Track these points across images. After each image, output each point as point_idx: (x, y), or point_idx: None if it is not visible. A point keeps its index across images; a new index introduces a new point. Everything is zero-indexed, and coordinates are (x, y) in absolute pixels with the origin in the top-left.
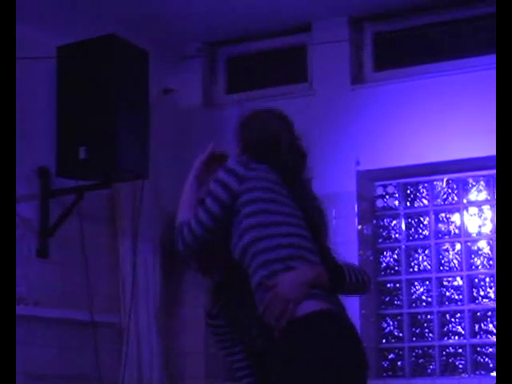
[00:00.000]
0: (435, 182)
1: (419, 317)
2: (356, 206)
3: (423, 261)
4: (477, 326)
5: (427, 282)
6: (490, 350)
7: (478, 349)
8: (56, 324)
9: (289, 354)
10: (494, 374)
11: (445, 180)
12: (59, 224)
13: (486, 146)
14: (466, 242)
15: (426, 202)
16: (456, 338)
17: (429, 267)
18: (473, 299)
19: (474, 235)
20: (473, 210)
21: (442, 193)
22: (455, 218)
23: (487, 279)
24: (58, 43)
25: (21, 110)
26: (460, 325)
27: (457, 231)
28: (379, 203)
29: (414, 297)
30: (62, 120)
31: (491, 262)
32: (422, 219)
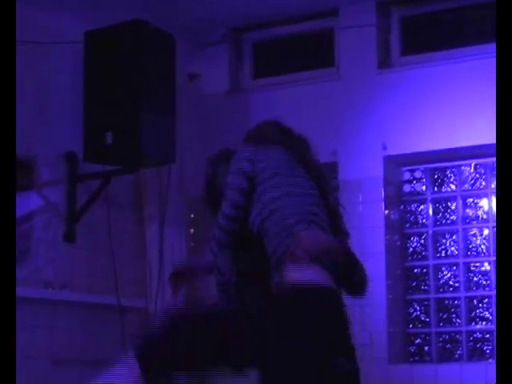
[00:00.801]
0: (463, 167)
1: (446, 302)
2: (383, 191)
3: (450, 246)
4: None
5: (454, 268)
6: None
7: None
8: (82, 308)
9: (289, 320)
10: None
11: (472, 165)
12: (86, 209)
13: None
14: (494, 227)
15: (453, 187)
16: (483, 323)
17: (456, 252)
18: None
19: None
20: None
21: (470, 178)
22: (483, 203)
23: None
24: (84, 29)
25: (48, 95)
26: (487, 310)
27: (484, 216)
28: (406, 188)
29: (441, 282)
30: (89, 105)
31: None
32: (449, 204)
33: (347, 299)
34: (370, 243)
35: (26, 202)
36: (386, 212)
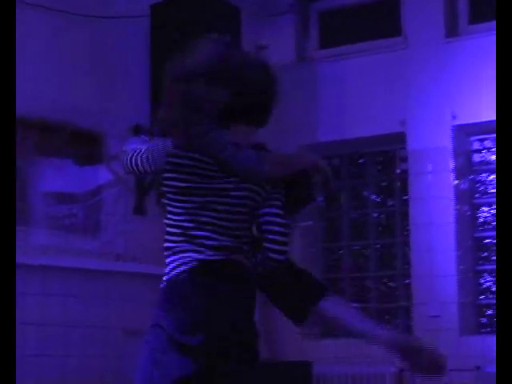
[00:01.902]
0: None
1: None
2: (452, 161)
3: None
4: None
5: None
6: None
7: None
8: (153, 279)
9: None
10: None
11: None
12: (155, 182)
13: None
14: None
15: None
16: None
17: None
18: None
19: None
20: None
21: None
22: None
23: None
24: (150, 3)
25: (115, 68)
26: None
27: None
28: (476, 158)
29: None
30: (155, 78)
31: None
32: None
33: None
34: (440, 214)
35: (96, 176)
36: (456, 182)
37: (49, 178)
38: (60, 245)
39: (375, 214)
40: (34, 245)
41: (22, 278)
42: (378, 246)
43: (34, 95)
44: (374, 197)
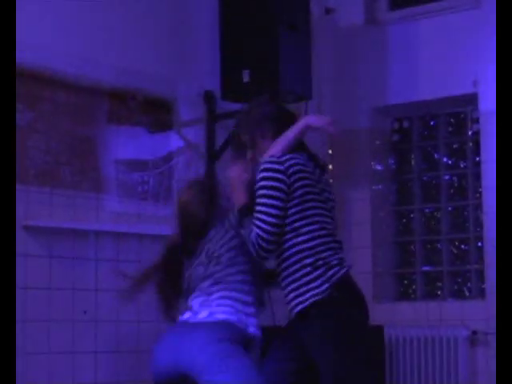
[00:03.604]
0: None
1: None
2: None
3: None
4: None
5: None
6: None
7: None
8: None
9: None
10: None
11: None
12: (225, 147)
13: None
14: None
15: None
16: None
17: None
18: None
19: None
20: None
21: None
22: None
23: None
24: None
25: (185, 34)
26: None
27: None
28: None
29: None
30: (226, 43)
31: None
32: None
33: None
34: None
35: (167, 142)
36: None
37: (121, 146)
38: (132, 211)
39: (447, 177)
40: (106, 212)
41: (94, 244)
42: (449, 208)
43: (104, 63)
44: (445, 159)
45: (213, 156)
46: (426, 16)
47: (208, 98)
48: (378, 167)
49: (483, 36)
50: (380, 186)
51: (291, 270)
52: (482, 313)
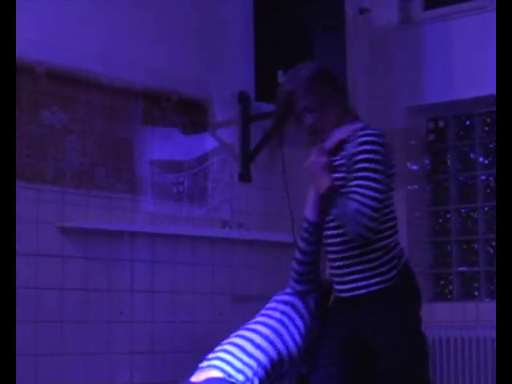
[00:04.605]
0: None
1: None
2: None
3: None
4: None
5: None
6: None
7: None
8: (259, 246)
9: None
10: None
11: None
12: (260, 148)
13: None
14: None
15: None
16: None
17: None
18: None
19: None
20: None
21: None
22: None
23: None
24: None
25: (219, 34)
26: None
27: None
28: None
29: None
30: (260, 44)
31: None
32: None
33: None
34: None
35: (202, 143)
36: None
37: (155, 147)
38: (167, 212)
39: (483, 177)
40: (141, 213)
41: (129, 245)
42: (486, 208)
43: (138, 64)
44: (481, 159)
45: (247, 157)
46: (460, 15)
47: (242, 98)
48: (414, 167)
49: None
50: (416, 186)
51: (357, 251)
52: None
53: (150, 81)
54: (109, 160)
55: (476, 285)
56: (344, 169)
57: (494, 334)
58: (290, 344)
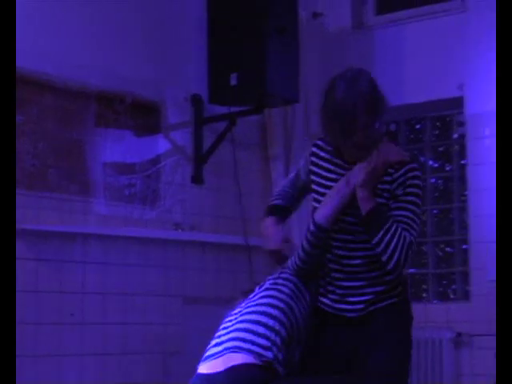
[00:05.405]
0: None
1: None
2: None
3: None
4: None
5: None
6: None
7: None
8: (211, 248)
9: None
10: None
11: None
12: (213, 151)
13: None
14: None
15: None
16: None
17: None
18: None
19: None
20: None
21: None
22: None
23: None
24: None
25: (172, 37)
26: None
27: None
28: None
29: None
30: (213, 47)
31: None
32: None
33: None
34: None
35: (155, 145)
36: None
37: (108, 149)
38: (119, 214)
39: (433, 180)
40: (94, 215)
41: (81, 247)
42: (435, 211)
43: (92, 66)
44: (431, 162)
45: (200, 159)
46: (413, 20)
47: (195, 101)
48: None
49: (469, 40)
50: None
51: (372, 266)
52: (467, 315)
53: (103, 83)
54: (61, 162)
55: (425, 287)
56: (386, 194)
57: (441, 334)
58: (299, 318)
